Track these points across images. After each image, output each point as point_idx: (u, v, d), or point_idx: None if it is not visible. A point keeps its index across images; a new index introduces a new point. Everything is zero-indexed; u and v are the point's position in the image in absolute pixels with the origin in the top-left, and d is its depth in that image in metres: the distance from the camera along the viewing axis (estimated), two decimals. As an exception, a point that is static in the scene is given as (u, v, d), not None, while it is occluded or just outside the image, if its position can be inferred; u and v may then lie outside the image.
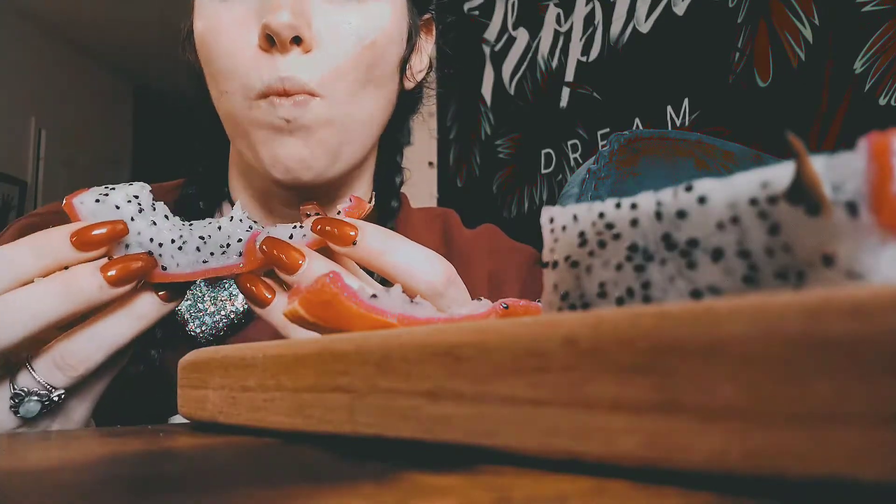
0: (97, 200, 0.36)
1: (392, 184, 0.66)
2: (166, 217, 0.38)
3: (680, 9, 1.25)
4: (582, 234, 0.20)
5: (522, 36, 1.62)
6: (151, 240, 0.36)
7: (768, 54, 1.07)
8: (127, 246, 0.36)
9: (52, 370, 0.34)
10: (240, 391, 0.25)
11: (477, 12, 1.74)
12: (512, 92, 1.63)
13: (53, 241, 0.33)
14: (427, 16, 0.62)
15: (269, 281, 0.36)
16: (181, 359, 0.30)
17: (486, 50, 1.70)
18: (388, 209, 0.63)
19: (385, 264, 0.35)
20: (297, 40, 0.48)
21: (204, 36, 0.52)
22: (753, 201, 0.16)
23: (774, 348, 0.12)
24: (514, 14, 1.64)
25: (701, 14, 1.21)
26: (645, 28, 1.32)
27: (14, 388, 0.34)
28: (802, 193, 0.15)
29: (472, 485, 0.14)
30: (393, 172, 0.67)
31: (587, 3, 1.45)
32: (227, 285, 0.54)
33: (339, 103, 0.51)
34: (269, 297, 0.35)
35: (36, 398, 0.34)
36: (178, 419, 0.37)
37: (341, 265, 0.37)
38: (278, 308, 0.35)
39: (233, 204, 0.60)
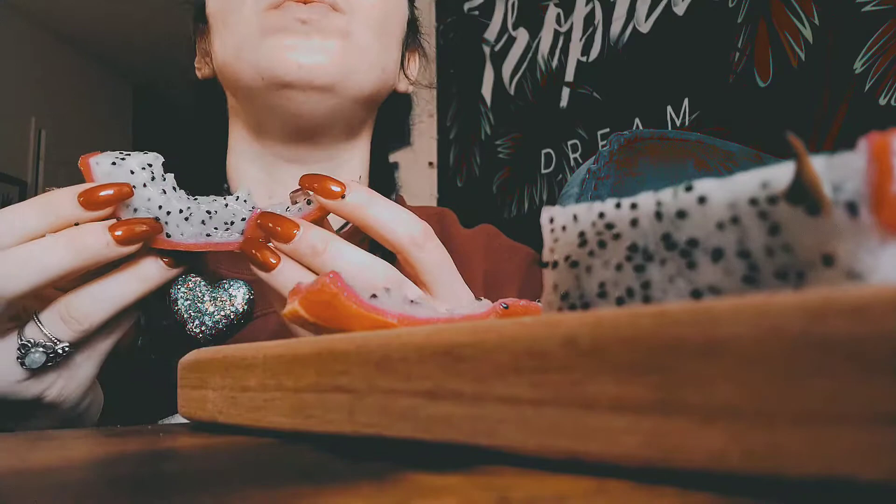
0: (113, 163, 0.37)
1: (389, 179, 0.66)
2: (174, 189, 0.39)
3: (680, 9, 1.24)
4: (582, 234, 0.20)
5: (522, 36, 1.62)
6: (160, 207, 0.37)
7: (768, 54, 1.07)
8: (135, 210, 0.36)
9: (57, 323, 0.35)
10: (240, 391, 0.25)
11: (477, 12, 1.74)
12: (512, 92, 1.63)
13: (60, 200, 0.34)
14: (414, 47, 0.65)
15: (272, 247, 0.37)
16: (181, 359, 0.30)
17: (486, 50, 1.70)
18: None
19: (367, 217, 0.36)
20: None
21: None
22: (753, 201, 0.16)
23: (774, 348, 0.12)
24: (514, 14, 1.64)
25: (701, 14, 1.21)
26: (645, 28, 1.32)
27: (21, 339, 0.35)
28: (802, 193, 0.15)
29: (472, 485, 0.14)
30: (389, 170, 0.68)
31: (587, 3, 1.45)
32: (226, 286, 0.54)
33: (360, 32, 0.53)
34: (274, 261, 0.36)
35: (41, 349, 0.35)
36: (177, 419, 0.37)
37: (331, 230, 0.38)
38: (284, 271, 0.35)
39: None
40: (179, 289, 0.52)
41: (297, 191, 0.39)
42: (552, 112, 1.51)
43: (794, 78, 1.04)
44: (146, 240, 0.35)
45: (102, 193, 0.35)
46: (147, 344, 0.53)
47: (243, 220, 0.38)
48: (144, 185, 0.37)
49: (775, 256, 0.15)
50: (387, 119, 0.65)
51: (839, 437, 0.11)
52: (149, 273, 0.36)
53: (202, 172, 0.62)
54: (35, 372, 0.35)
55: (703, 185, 0.17)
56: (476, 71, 1.73)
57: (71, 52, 3.68)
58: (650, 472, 0.13)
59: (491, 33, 1.70)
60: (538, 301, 0.35)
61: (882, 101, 0.92)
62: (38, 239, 0.33)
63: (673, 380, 0.13)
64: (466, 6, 1.77)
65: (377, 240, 0.36)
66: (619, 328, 0.14)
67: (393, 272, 0.36)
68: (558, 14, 1.53)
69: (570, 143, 1.47)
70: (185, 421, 0.30)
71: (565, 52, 1.50)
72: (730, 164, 0.72)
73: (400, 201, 0.67)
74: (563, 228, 0.20)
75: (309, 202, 0.38)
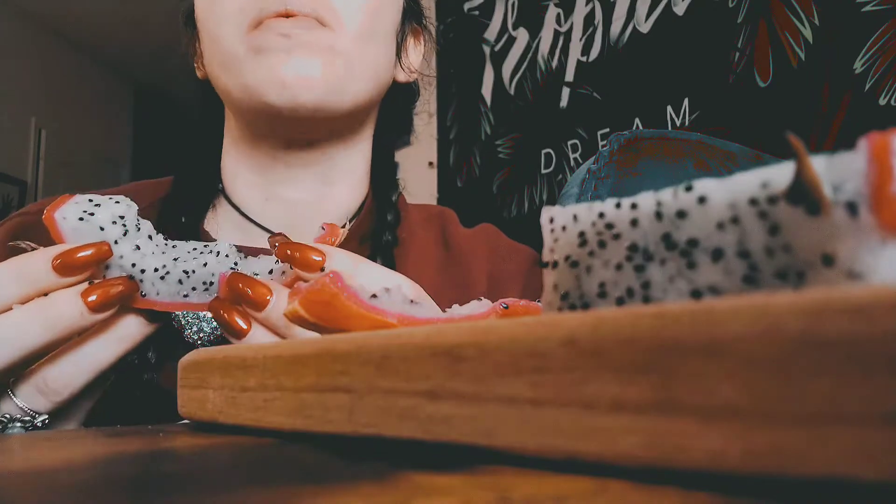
0: (80, 219, 0.35)
1: (391, 179, 0.65)
2: (150, 237, 0.37)
3: (680, 9, 1.25)
4: (582, 234, 0.20)
5: (522, 36, 1.62)
6: (133, 265, 0.35)
7: (768, 54, 1.07)
8: (107, 268, 0.35)
9: (35, 396, 0.33)
10: (240, 391, 0.25)
11: (477, 12, 1.74)
12: (512, 92, 1.63)
13: (33, 267, 0.32)
14: (416, 25, 0.63)
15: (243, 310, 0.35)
16: (181, 359, 0.30)
17: (486, 50, 1.70)
18: (389, 205, 0.62)
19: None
20: None
21: None
22: (753, 201, 0.16)
23: (774, 348, 0.12)
24: (514, 14, 1.64)
25: (701, 14, 1.21)
26: (645, 28, 1.32)
27: None
28: (802, 193, 0.15)
29: (472, 485, 0.14)
30: (391, 169, 0.66)
31: (587, 3, 1.45)
32: None
33: (347, 40, 0.50)
34: (245, 327, 0.34)
35: (19, 425, 0.33)
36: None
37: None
38: (253, 339, 0.34)
39: (227, 198, 0.59)
40: None
41: (275, 235, 0.37)
42: (552, 112, 1.51)
43: (794, 78, 1.04)
44: (122, 302, 0.34)
45: (79, 255, 0.33)
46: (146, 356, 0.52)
47: (214, 277, 0.36)
48: (116, 242, 0.35)
49: (775, 256, 0.15)
50: (389, 111, 0.63)
51: (839, 437, 0.11)
52: (128, 332, 0.35)
53: (198, 174, 0.61)
54: None
55: (703, 185, 0.17)
56: (476, 71, 1.73)
57: (71, 52, 3.68)
58: (650, 472, 0.13)
59: (491, 33, 1.70)
60: (538, 301, 0.35)
61: (882, 101, 0.92)
62: (7, 313, 0.32)
63: (673, 380, 0.13)
64: (466, 6, 1.77)
65: None
66: (619, 328, 0.14)
67: None
68: (558, 14, 1.53)
69: (570, 143, 1.47)
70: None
71: (565, 52, 1.50)
72: (730, 164, 0.72)
73: (401, 201, 0.66)
74: (563, 228, 0.20)
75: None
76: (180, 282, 0.36)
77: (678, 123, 1.23)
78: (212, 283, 0.36)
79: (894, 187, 0.13)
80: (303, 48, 0.49)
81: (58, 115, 3.55)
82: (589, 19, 1.45)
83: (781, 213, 0.15)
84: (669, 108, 1.24)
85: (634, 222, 0.18)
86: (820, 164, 0.15)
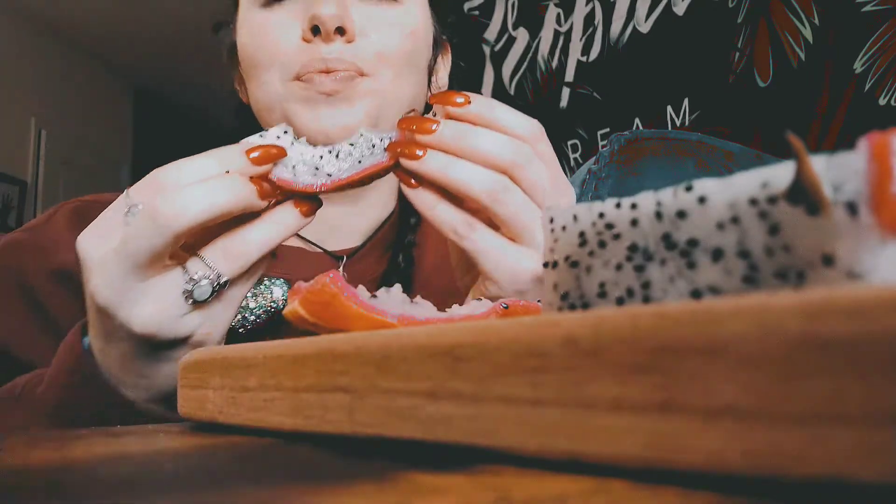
0: (260, 136, 0.41)
1: None
2: (307, 143, 0.42)
3: (680, 9, 1.25)
4: (582, 234, 0.20)
5: (522, 36, 1.62)
6: (312, 156, 0.41)
7: (768, 54, 1.07)
8: (294, 167, 0.40)
9: (220, 257, 0.39)
10: (240, 391, 0.25)
11: (477, 12, 1.74)
12: (512, 92, 1.63)
13: (232, 154, 0.39)
14: (444, 38, 0.68)
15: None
16: (181, 359, 0.30)
17: (486, 50, 1.70)
18: (412, 211, 0.65)
19: (493, 117, 0.40)
20: (340, 31, 0.54)
21: (247, 41, 0.58)
22: (753, 201, 0.16)
23: (774, 348, 0.12)
24: (514, 14, 1.64)
25: (701, 14, 1.21)
26: (645, 28, 1.32)
27: (188, 273, 0.38)
28: (802, 193, 0.15)
29: (472, 485, 0.14)
30: None
31: (587, 3, 1.45)
32: (267, 283, 0.57)
33: (384, 83, 0.56)
34: (420, 153, 0.40)
35: (207, 281, 0.38)
36: None
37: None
38: (430, 158, 0.39)
39: None
40: None
41: (411, 111, 0.44)
42: (552, 112, 1.51)
43: (794, 78, 1.04)
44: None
45: (267, 149, 0.39)
46: None
47: (381, 140, 0.41)
48: (292, 144, 0.41)
49: (775, 256, 0.15)
50: None
51: (839, 437, 0.11)
52: (287, 220, 0.40)
53: None
54: (197, 306, 0.39)
55: (703, 185, 0.17)
56: (476, 71, 1.73)
57: (71, 53, 3.68)
58: (650, 472, 0.13)
59: (491, 33, 1.70)
60: (538, 301, 0.35)
61: (882, 101, 0.92)
62: (207, 180, 0.38)
63: (673, 380, 0.13)
64: (466, 6, 1.77)
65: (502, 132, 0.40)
66: (619, 328, 0.14)
67: (525, 147, 0.40)
68: (558, 14, 1.53)
69: (570, 143, 1.47)
70: None
71: (565, 52, 1.50)
72: (730, 164, 0.72)
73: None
74: (564, 228, 0.20)
75: (434, 114, 0.42)
76: (351, 155, 0.41)
77: (678, 123, 1.23)
78: (374, 146, 0.41)
79: (894, 187, 0.13)
80: (345, 102, 0.55)
81: (58, 115, 3.55)
82: (589, 19, 1.45)
83: (781, 213, 0.15)
84: (669, 108, 1.24)
85: (634, 222, 0.18)
86: (820, 164, 0.15)
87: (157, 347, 0.39)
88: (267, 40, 0.56)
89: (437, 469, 0.16)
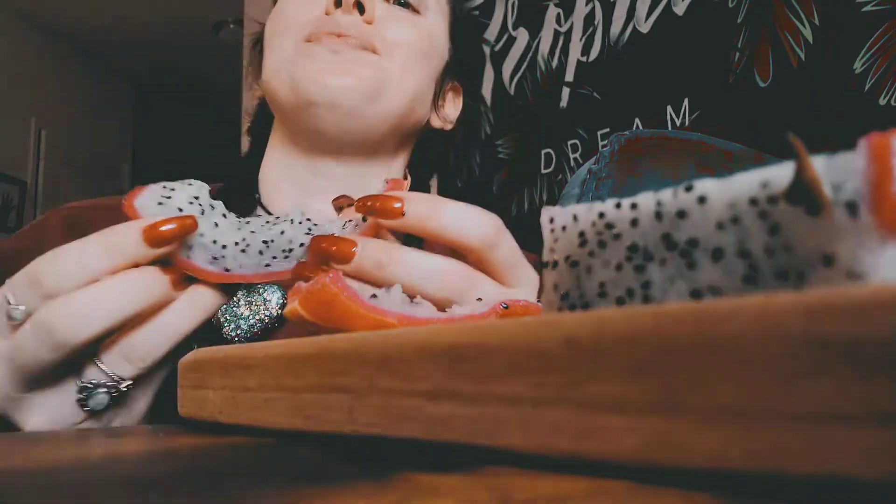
0: (160, 203, 0.37)
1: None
2: (224, 216, 0.38)
3: (680, 9, 1.25)
4: (582, 234, 0.20)
5: (522, 36, 1.62)
6: (215, 241, 0.36)
7: (768, 54, 1.08)
8: (190, 248, 0.36)
9: (120, 362, 0.35)
10: (240, 391, 0.25)
11: (477, 12, 1.74)
12: (512, 92, 1.63)
13: (126, 239, 0.34)
14: (456, 82, 0.68)
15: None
16: (181, 359, 0.30)
17: (486, 50, 1.70)
18: None
19: (436, 228, 0.35)
20: (360, 10, 0.55)
21: (274, 14, 0.60)
22: (753, 201, 0.16)
23: (774, 348, 0.12)
24: (514, 14, 1.64)
25: (701, 14, 1.21)
26: (645, 28, 1.32)
27: (81, 382, 0.35)
28: (802, 193, 0.15)
29: (472, 485, 0.14)
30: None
31: (587, 3, 1.45)
32: (261, 291, 0.55)
33: (392, 66, 0.57)
34: (353, 250, 0.34)
35: (104, 390, 0.35)
36: None
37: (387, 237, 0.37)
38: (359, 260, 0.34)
39: (263, 207, 0.63)
40: None
41: (339, 197, 0.38)
42: (552, 112, 1.51)
43: (794, 78, 1.04)
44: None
45: (167, 227, 0.34)
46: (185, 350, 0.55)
47: (301, 245, 0.37)
48: (202, 214, 0.36)
49: (775, 256, 0.15)
50: (424, 153, 0.68)
51: (839, 437, 0.11)
52: (205, 302, 0.37)
53: (240, 184, 0.65)
54: (96, 413, 0.36)
55: (703, 185, 0.17)
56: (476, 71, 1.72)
57: (71, 52, 3.68)
58: (650, 472, 0.13)
59: (491, 33, 1.70)
60: (538, 301, 0.35)
61: (882, 101, 0.92)
62: (100, 282, 0.33)
63: (673, 380, 0.13)
64: (466, 6, 1.77)
65: (450, 246, 0.35)
66: (619, 328, 0.14)
67: (469, 270, 0.35)
68: (558, 14, 1.53)
69: (570, 143, 1.47)
70: None
71: (565, 52, 1.50)
72: (730, 164, 0.72)
73: None
74: (564, 228, 0.20)
75: (364, 218, 0.36)
76: (261, 252, 0.37)
77: (678, 123, 1.23)
78: (291, 250, 0.37)
79: (894, 187, 0.13)
80: (349, 63, 0.55)
81: (58, 115, 3.55)
82: (589, 19, 1.45)
83: (781, 213, 0.15)
84: (669, 108, 1.24)
85: (634, 222, 0.18)
86: (820, 164, 0.15)
87: None
88: (289, 11, 0.58)
89: (437, 469, 0.16)
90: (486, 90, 1.70)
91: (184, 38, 3.49)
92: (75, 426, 0.36)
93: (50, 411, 0.35)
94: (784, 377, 0.11)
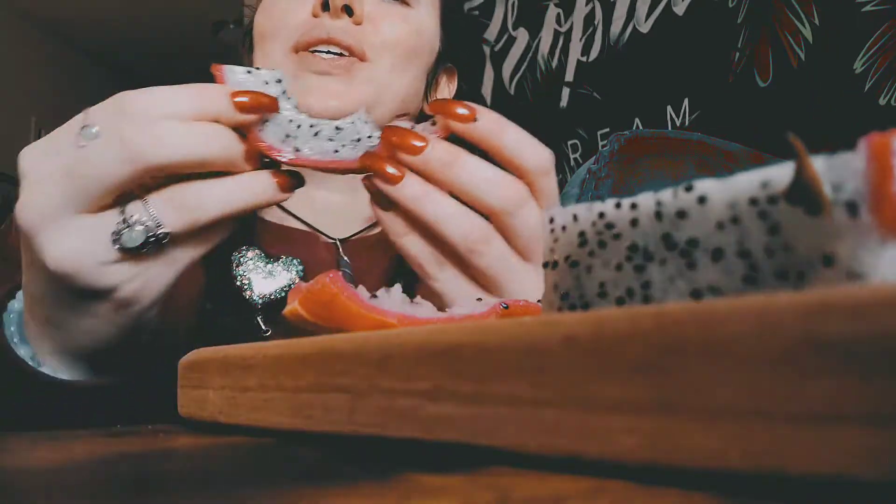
0: (248, 72, 0.37)
1: None
2: (296, 108, 0.38)
3: (680, 9, 1.24)
4: (582, 234, 0.20)
5: (522, 36, 1.62)
6: (290, 121, 0.36)
7: (768, 54, 1.07)
8: (266, 121, 0.36)
9: (166, 206, 0.34)
10: (240, 391, 0.25)
11: (477, 12, 1.74)
12: (512, 92, 1.63)
13: (216, 94, 0.34)
14: (450, 66, 0.68)
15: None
16: (181, 359, 0.30)
17: (486, 50, 1.70)
18: None
19: (500, 142, 0.35)
20: (348, 11, 0.54)
21: (261, 17, 0.58)
22: (753, 201, 0.16)
23: (774, 348, 0.12)
24: (514, 14, 1.64)
25: (701, 14, 1.21)
26: (645, 28, 1.32)
27: (123, 215, 0.33)
28: (802, 193, 0.15)
29: (472, 485, 0.14)
30: None
31: (587, 3, 1.45)
32: (282, 261, 0.58)
33: (382, 72, 0.56)
34: (398, 174, 0.34)
35: (142, 228, 0.33)
36: None
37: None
38: (408, 184, 0.34)
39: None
40: (241, 260, 0.56)
41: (402, 116, 0.38)
42: (552, 112, 1.51)
43: (794, 78, 1.04)
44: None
45: (251, 99, 0.34)
46: (214, 308, 0.55)
47: (369, 137, 0.37)
48: (280, 97, 0.37)
49: (775, 256, 0.15)
50: None
51: (839, 437, 0.11)
52: (259, 189, 0.35)
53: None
54: (125, 254, 0.33)
55: (703, 185, 0.17)
56: (476, 71, 1.73)
57: (71, 52, 3.68)
58: (650, 472, 0.13)
59: (491, 33, 1.70)
60: (538, 301, 0.35)
61: (882, 101, 0.92)
62: (175, 123, 0.33)
63: (673, 380, 0.13)
64: (466, 6, 1.77)
65: (505, 164, 0.36)
66: (619, 328, 0.14)
67: (521, 188, 0.35)
68: (558, 14, 1.53)
69: (570, 143, 1.47)
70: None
71: (565, 52, 1.50)
72: (730, 164, 0.72)
73: None
74: (563, 228, 0.20)
75: (434, 123, 0.36)
76: (331, 139, 0.37)
77: (678, 123, 1.23)
78: (359, 140, 0.37)
79: (894, 187, 0.13)
80: (341, 84, 0.54)
81: (58, 115, 3.54)
82: (589, 19, 1.45)
83: (781, 213, 0.15)
84: (669, 108, 1.24)
85: (634, 222, 0.18)
86: (820, 164, 0.15)
87: (73, 294, 0.34)
88: (277, 12, 0.57)
89: (437, 469, 0.16)
90: (486, 90, 1.70)
91: (184, 39, 3.49)
92: (98, 265, 0.33)
93: (81, 237, 0.33)
94: (784, 377, 0.11)
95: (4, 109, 3.24)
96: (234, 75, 0.36)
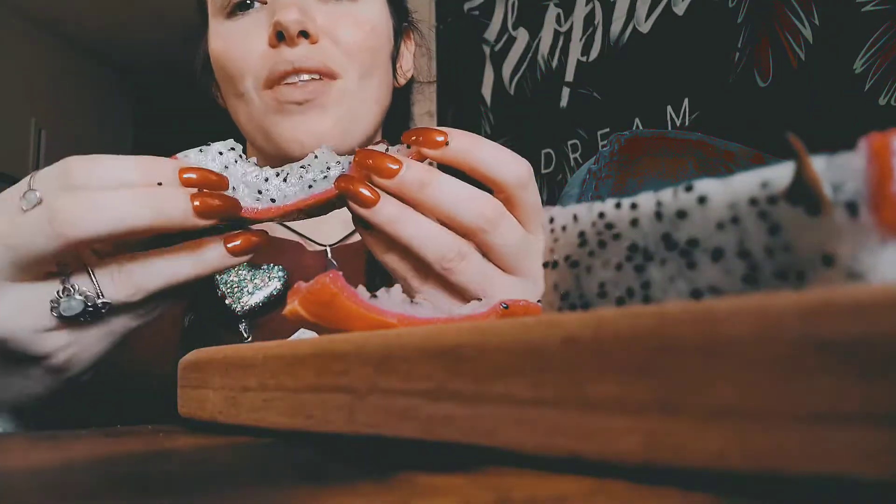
0: (200, 150, 0.37)
1: None
2: (255, 164, 0.38)
3: (680, 9, 1.24)
4: (582, 234, 0.20)
5: (522, 36, 1.62)
6: (256, 176, 0.37)
7: (768, 54, 1.07)
8: (233, 188, 0.36)
9: (109, 279, 0.34)
10: (240, 391, 0.25)
11: (477, 12, 1.74)
12: (512, 92, 1.63)
13: (164, 170, 0.34)
14: (405, 24, 0.68)
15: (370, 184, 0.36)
16: (181, 359, 0.30)
17: (486, 50, 1.70)
18: None
19: (474, 161, 0.36)
20: (304, 35, 0.54)
21: (218, 51, 0.59)
22: (753, 201, 0.16)
23: (774, 348, 0.12)
24: (514, 14, 1.64)
25: (701, 14, 1.21)
26: (645, 28, 1.32)
27: (65, 283, 0.34)
28: (802, 193, 0.15)
29: (472, 485, 0.14)
30: None
31: (587, 3, 1.45)
32: (266, 269, 0.58)
33: (352, 82, 0.57)
34: (373, 197, 0.35)
35: (81, 297, 0.34)
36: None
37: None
38: (385, 206, 0.35)
39: None
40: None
41: (378, 142, 0.38)
42: (552, 112, 1.51)
43: (794, 78, 1.04)
44: (222, 216, 0.35)
45: (208, 175, 0.35)
46: (193, 322, 0.56)
47: (337, 163, 0.38)
48: (235, 162, 0.37)
49: (775, 256, 0.15)
50: (394, 114, 0.68)
51: (839, 437, 0.11)
52: (208, 257, 0.35)
53: None
54: (62, 322, 0.34)
55: (703, 185, 0.17)
56: (476, 71, 1.73)
57: (71, 52, 3.68)
58: (650, 472, 0.13)
59: (491, 33, 1.70)
60: (538, 301, 0.35)
61: (882, 101, 0.92)
62: (120, 191, 0.33)
63: (673, 380, 0.13)
64: (466, 6, 1.77)
65: (482, 181, 0.36)
66: (619, 328, 0.14)
67: (496, 204, 0.36)
68: (558, 14, 1.53)
69: (570, 143, 1.47)
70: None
71: (565, 52, 1.50)
72: (730, 164, 0.72)
73: None
74: (564, 228, 0.20)
75: (408, 146, 0.37)
76: (301, 177, 0.37)
77: (678, 123, 1.23)
78: (329, 168, 0.37)
79: (894, 187, 0.13)
80: (316, 108, 0.55)
81: (58, 115, 3.55)
82: (589, 19, 1.45)
83: (781, 213, 0.15)
84: (669, 108, 1.24)
85: (634, 222, 0.18)
86: (820, 164, 0.15)
87: (6, 356, 0.35)
88: (235, 50, 0.57)
89: (437, 469, 0.16)
90: (486, 90, 1.70)
91: (184, 39, 3.49)
92: (35, 333, 0.34)
93: (18, 302, 0.33)
94: (784, 377, 0.11)
95: (4, 110, 3.24)
96: (188, 158, 0.37)
